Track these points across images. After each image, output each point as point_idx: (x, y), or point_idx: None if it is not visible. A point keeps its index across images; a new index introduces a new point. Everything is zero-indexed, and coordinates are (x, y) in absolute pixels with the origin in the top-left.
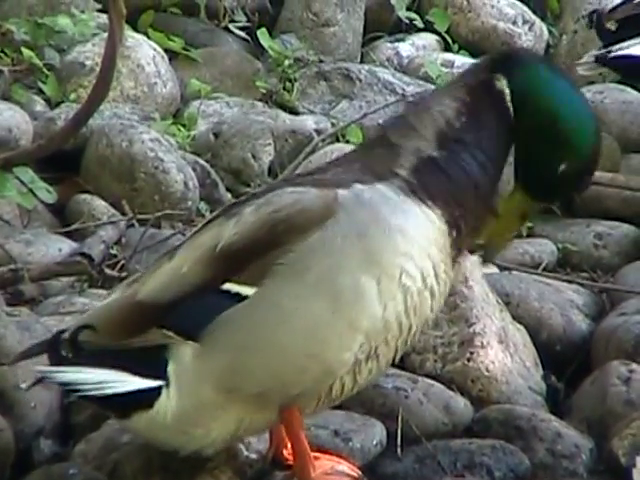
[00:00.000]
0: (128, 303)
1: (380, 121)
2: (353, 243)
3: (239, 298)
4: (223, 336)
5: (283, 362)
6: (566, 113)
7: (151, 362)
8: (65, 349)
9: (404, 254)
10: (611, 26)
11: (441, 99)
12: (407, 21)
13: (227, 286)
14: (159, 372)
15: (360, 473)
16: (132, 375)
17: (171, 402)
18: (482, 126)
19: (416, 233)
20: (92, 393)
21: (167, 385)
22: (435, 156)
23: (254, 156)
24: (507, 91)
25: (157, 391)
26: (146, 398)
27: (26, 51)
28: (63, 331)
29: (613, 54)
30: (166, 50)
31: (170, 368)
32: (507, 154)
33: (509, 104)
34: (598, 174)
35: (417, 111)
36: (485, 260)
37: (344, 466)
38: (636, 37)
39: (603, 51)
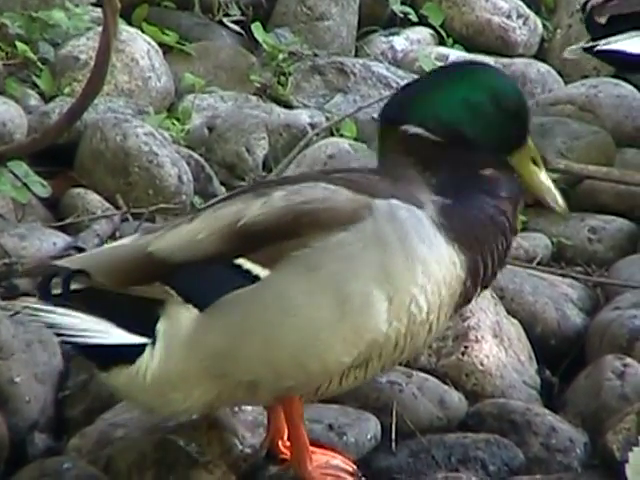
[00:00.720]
0: (138, 252)
1: (375, 115)
2: (373, 254)
3: (249, 275)
4: (225, 314)
5: (281, 354)
6: (473, 90)
7: (140, 318)
8: (56, 289)
9: (420, 286)
10: (601, 19)
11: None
12: (401, 15)
13: (240, 261)
14: (146, 330)
15: (354, 467)
16: (118, 327)
17: (153, 362)
18: (445, 169)
19: (436, 270)
20: (74, 340)
21: (152, 343)
22: (451, 203)
23: (248, 150)
24: (422, 130)
25: (140, 348)
26: (128, 353)
27: (20, 45)
28: (56, 270)
29: (599, 48)
30: (160, 44)
31: (160, 327)
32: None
33: (436, 137)
34: (593, 168)
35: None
36: (562, 213)
37: (339, 460)
38: (624, 32)
39: (591, 44)
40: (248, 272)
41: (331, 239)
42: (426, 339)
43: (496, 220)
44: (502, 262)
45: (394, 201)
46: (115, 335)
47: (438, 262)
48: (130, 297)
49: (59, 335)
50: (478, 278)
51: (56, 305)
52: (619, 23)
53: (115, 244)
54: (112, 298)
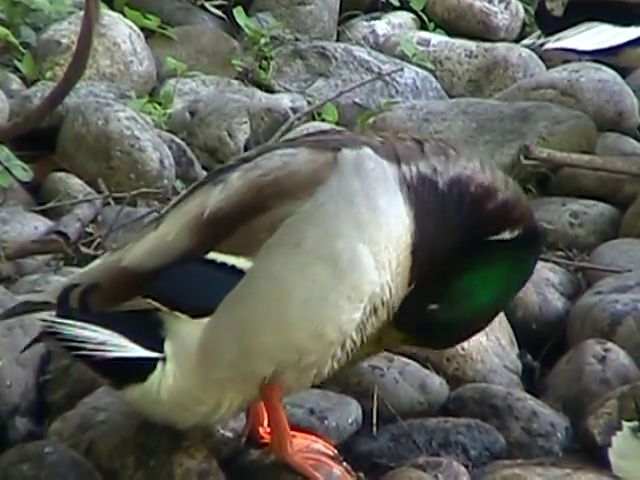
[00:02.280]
0: (112, 269)
1: (356, 99)
2: (346, 211)
3: (224, 268)
4: (228, 318)
5: (297, 333)
6: None
7: (149, 331)
8: (73, 304)
9: (387, 238)
10: (557, 10)
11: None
12: None
13: (212, 255)
14: (157, 343)
15: (335, 451)
16: (132, 342)
17: (166, 377)
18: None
19: (393, 225)
20: (93, 353)
21: (164, 358)
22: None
23: (230, 134)
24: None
25: (153, 363)
26: (142, 369)
27: (2, 29)
28: (73, 285)
29: (548, 46)
30: (142, 28)
31: (167, 340)
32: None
33: None
34: (575, 156)
35: None
36: None
37: (320, 445)
38: (576, 25)
39: (540, 41)
40: (223, 264)
41: (302, 209)
42: (399, 292)
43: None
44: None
45: (365, 149)
46: (132, 348)
47: (395, 216)
48: (131, 314)
49: (76, 349)
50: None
51: (74, 319)
52: (576, 13)
53: (88, 267)
54: (118, 314)
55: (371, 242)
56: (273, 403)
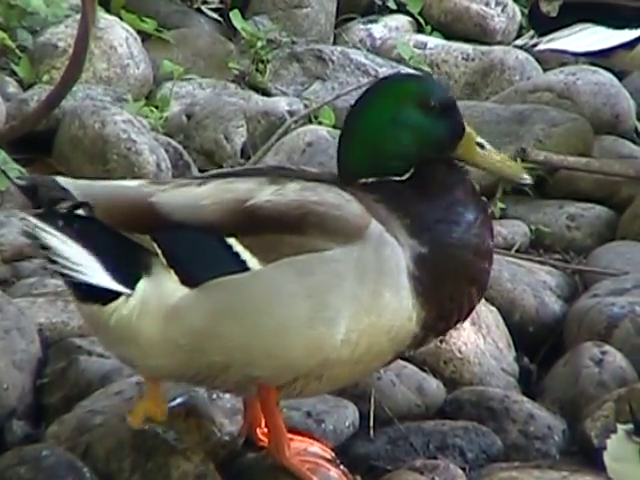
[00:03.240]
0: (140, 198)
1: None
2: (353, 278)
3: (236, 259)
4: (212, 297)
5: (255, 343)
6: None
7: (128, 267)
8: (60, 218)
9: (369, 324)
10: (551, 10)
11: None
12: (380, 2)
13: (231, 241)
14: (130, 280)
15: (333, 454)
16: (106, 270)
17: (124, 311)
18: (414, 207)
19: (387, 318)
20: (64, 271)
21: (129, 295)
22: (426, 253)
23: (226, 137)
24: (377, 179)
25: (118, 294)
26: (106, 295)
27: None
28: (62, 195)
29: (540, 47)
30: (139, 31)
31: (142, 284)
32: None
33: (394, 177)
34: (572, 159)
35: None
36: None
37: (317, 447)
38: (569, 27)
39: (533, 41)
40: (237, 255)
41: (327, 252)
42: (350, 375)
43: (471, 269)
44: (469, 310)
45: (385, 234)
46: (101, 276)
47: (394, 313)
48: (124, 242)
49: (51, 260)
50: (433, 332)
51: (58, 229)
52: (570, 14)
53: (121, 183)
54: (109, 236)
55: (357, 321)
56: (270, 406)
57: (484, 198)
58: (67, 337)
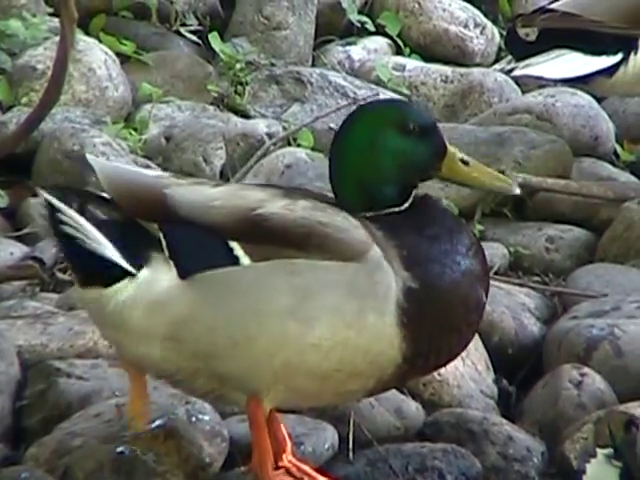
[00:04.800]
0: (155, 187)
1: (332, 125)
2: (342, 291)
3: (232, 257)
4: (201, 288)
5: (232, 333)
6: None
7: (135, 253)
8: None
9: (347, 343)
10: (530, 34)
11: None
12: (359, 24)
13: (233, 244)
14: (135, 263)
15: None
16: (116, 250)
17: (124, 293)
18: (407, 237)
19: (367, 342)
20: (79, 240)
21: (133, 276)
22: (418, 288)
23: (205, 160)
24: (370, 213)
25: (122, 275)
26: (111, 274)
27: None
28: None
29: (516, 72)
30: (117, 54)
31: (145, 271)
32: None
33: (383, 210)
34: (551, 181)
35: None
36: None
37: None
38: (546, 52)
39: (510, 66)
40: (237, 259)
41: (322, 262)
42: (319, 391)
43: (455, 319)
44: (448, 357)
45: (383, 261)
46: (114, 254)
47: (375, 335)
48: (135, 228)
49: (66, 234)
50: (412, 367)
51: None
52: (548, 39)
53: (142, 170)
54: (122, 220)
55: (334, 334)
56: (257, 420)
57: (463, 220)
58: (46, 359)
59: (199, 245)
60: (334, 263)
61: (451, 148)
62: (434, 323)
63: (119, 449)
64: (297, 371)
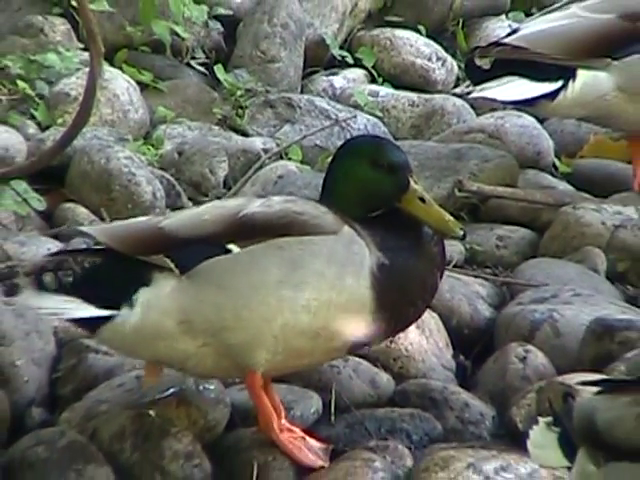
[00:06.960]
0: (151, 226)
1: (317, 142)
2: (323, 259)
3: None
4: (200, 278)
5: (237, 307)
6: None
7: (117, 291)
8: (48, 279)
9: (329, 301)
10: (486, 63)
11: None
12: (340, 58)
13: (231, 246)
14: (119, 300)
15: (324, 463)
16: (86, 303)
17: (131, 319)
18: (381, 233)
19: (345, 300)
20: (60, 317)
21: (131, 305)
22: (388, 264)
23: (211, 171)
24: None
25: (109, 318)
26: (102, 320)
27: (20, 83)
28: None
29: (473, 95)
30: (138, 82)
31: (142, 291)
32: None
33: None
34: (501, 189)
35: None
36: (458, 236)
37: (315, 443)
38: (500, 78)
39: (468, 90)
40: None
41: (305, 237)
42: (312, 350)
43: (413, 297)
44: (405, 323)
45: (357, 237)
46: (83, 310)
47: (351, 295)
48: (123, 268)
49: (50, 314)
50: (380, 329)
51: (49, 291)
52: (500, 67)
53: (132, 220)
54: (84, 282)
55: (319, 293)
56: (255, 390)
57: None
58: (77, 338)
59: (203, 255)
60: (316, 237)
61: (414, 186)
62: (397, 294)
63: (138, 413)
64: (293, 331)
